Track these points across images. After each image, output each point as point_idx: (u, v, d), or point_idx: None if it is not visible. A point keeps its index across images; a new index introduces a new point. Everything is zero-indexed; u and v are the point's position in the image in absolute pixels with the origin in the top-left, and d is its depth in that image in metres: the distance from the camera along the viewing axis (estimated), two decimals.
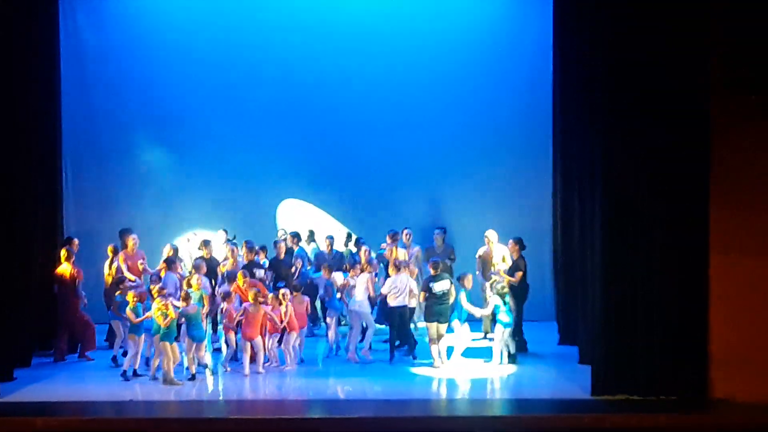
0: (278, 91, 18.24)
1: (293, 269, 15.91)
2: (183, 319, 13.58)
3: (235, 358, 14.32)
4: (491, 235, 16.04)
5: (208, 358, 14.08)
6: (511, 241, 15.37)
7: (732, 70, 12.19)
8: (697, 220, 12.21)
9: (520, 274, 15.01)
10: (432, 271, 14.57)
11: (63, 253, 14.90)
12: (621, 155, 12.21)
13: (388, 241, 16.26)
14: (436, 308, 14.36)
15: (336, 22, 18.08)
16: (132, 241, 15.80)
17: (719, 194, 12.20)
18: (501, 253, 15.81)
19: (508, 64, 18.04)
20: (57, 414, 11.83)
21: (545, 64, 16.02)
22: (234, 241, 16.48)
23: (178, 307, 13.49)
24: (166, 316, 13.14)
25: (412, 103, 18.19)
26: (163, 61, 18.19)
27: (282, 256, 16.14)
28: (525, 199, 17.94)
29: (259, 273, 15.27)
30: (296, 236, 16.88)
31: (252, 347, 13.88)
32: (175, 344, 13.32)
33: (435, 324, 14.32)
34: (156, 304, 13.31)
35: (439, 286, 14.38)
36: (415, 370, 14.19)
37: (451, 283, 14.64)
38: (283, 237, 17.02)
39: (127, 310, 13.52)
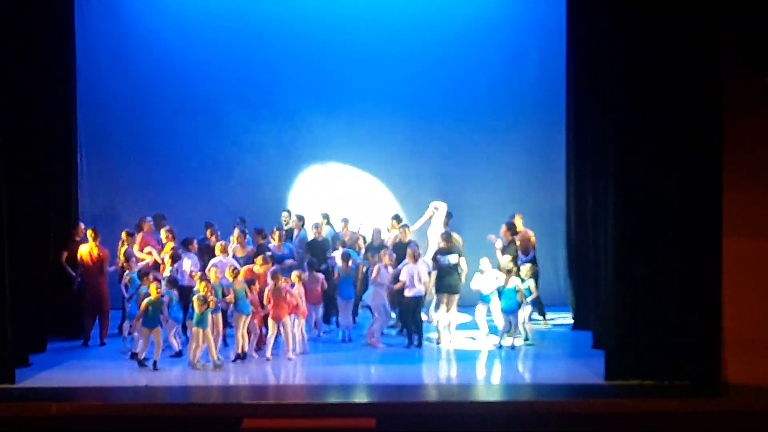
0: (295, 70, 18.35)
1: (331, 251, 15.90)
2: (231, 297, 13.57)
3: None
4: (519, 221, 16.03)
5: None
6: (504, 225, 15.53)
7: (745, 51, 12.15)
8: (710, 203, 12.18)
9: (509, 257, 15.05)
10: (443, 244, 14.83)
11: (90, 233, 15.04)
12: (633, 137, 12.17)
13: (395, 225, 16.26)
14: (446, 280, 14.72)
15: (345, 13, 18.16)
16: (147, 224, 16.06)
17: (732, 177, 12.16)
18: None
19: (522, 45, 18.04)
20: (72, 399, 11.88)
21: (559, 45, 15.96)
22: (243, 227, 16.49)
23: (231, 284, 13.57)
24: (204, 301, 13.15)
25: (426, 82, 18.23)
26: (180, 43, 18.26)
27: (320, 237, 16.11)
28: (538, 185, 17.92)
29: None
30: (301, 219, 16.74)
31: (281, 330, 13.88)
32: (208, 330, 13.25)
33: (446, 295, 14.68)
34: (197, 290, 13.24)
35: (448, 259, 14.71)
36: (425, 354, 14.23)
37: (460, 256, 14.95)
38: (288, 218, 17.00)
39: (145, 301, 13.33)
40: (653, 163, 12.13)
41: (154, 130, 18.37)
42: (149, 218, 16.25)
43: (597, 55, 13.42)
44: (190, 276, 14.44)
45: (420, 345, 14.53)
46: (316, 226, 16.22)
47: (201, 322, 13.19)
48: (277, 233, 15.85)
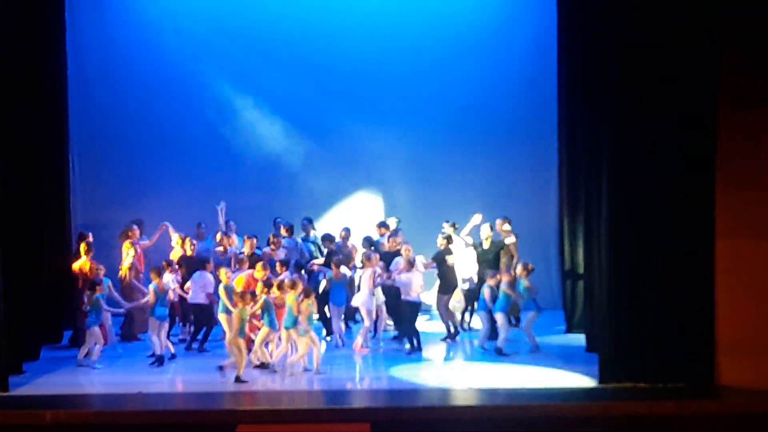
0: (289, 71, 18.36)
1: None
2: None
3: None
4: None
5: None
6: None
7: (739, 53, 12.14)
8: (703, 206, 12.18)
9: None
10: (445, 245, 15.27)
11: (83, 246, 15.03)
12: (626, 141, 12.17)
13: (384, 231, 16.30)
14: (449, 280, 15.24)
15: (346, 11, 18.20)
16: (134, 231, 16.05)
17: (725, 179, 12.15)
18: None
19: (512, 54, 18.07)
20: (66, 406, 11.82)
21: (550, 52, 16.01)
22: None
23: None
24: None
25: (415, 94, 18.23)
26: (172, 51, 18.26)
27: (332, 247, 15.95)
28: (531, 188, 17.95)
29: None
30: (290, 227, 16.45)
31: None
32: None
33: (450, 295, 15.22)
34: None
35: (451, 259, 15.25)
36: (419, 359, 14.26)
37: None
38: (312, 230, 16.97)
39: (237, 312, 13.25)
40: (646, 165, 12.14)
41: (146, 137, 18.37)
42: (135, 226, 16.18)
43: (590, 58, 13.43)
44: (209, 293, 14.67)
45: (420, 349, 14.55)
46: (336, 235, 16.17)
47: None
48: (277, 240, 15.77)
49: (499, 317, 14.30)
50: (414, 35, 18.08)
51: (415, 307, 14.68)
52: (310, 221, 16.93)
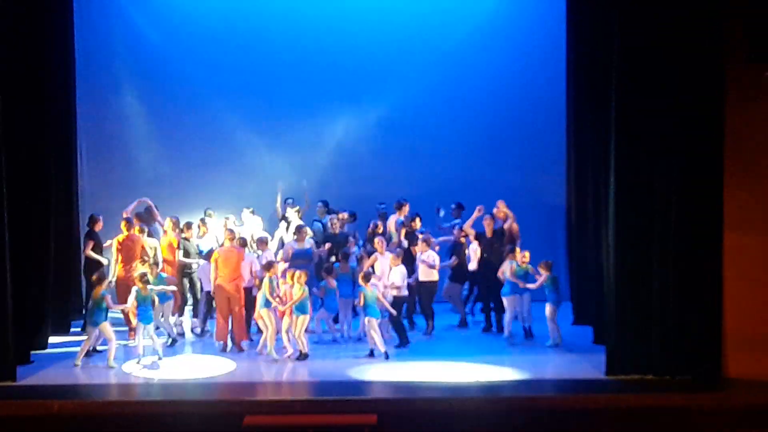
0: (292, 70, 18.36)
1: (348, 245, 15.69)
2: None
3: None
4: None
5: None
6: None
7: (747, 45, 12.12)
8: (711, 198, 12.15)
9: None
10: (458, 234, 15.56)
11: (123, 224, 15.06)
12: (634, 134, 12.15)
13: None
14: (462, 267, 15.47)
15: (349, 15, 18.22)
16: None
17: (733, 172, 12.13)
18: None
19: (521, 49, 18.10)
20: (74, 396, 11.89)
21: (558, 47, 15.97)
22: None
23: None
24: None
25: (427, 92, 18.26)
26: (179, 43, 18.35)
27: (336, 231, 15.99)
28: (539, 181, 17.93)
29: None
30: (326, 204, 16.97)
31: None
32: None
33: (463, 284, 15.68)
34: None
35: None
36: (425, 350, 14.25)
37: None
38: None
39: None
40: (654, 159, 12.11)
41: (153, 129, 18.43)
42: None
43: (598, 51, 13.39)
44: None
45: (407, 342, 14.52)
46: (335, 219, 16.12)
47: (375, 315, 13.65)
48: (303, 230, 15.69)
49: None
50: (425, 35, 18.13)
51: (397, 301, 14.62)
52: (326, 204, 17.08)
